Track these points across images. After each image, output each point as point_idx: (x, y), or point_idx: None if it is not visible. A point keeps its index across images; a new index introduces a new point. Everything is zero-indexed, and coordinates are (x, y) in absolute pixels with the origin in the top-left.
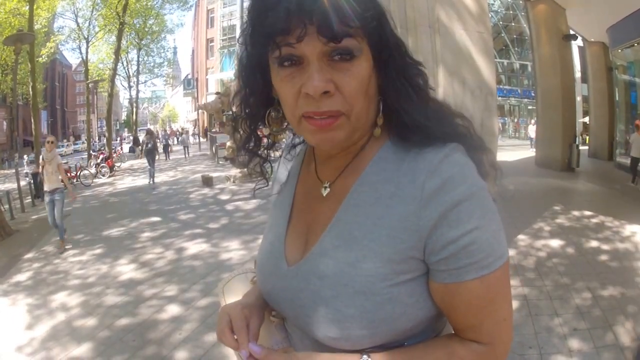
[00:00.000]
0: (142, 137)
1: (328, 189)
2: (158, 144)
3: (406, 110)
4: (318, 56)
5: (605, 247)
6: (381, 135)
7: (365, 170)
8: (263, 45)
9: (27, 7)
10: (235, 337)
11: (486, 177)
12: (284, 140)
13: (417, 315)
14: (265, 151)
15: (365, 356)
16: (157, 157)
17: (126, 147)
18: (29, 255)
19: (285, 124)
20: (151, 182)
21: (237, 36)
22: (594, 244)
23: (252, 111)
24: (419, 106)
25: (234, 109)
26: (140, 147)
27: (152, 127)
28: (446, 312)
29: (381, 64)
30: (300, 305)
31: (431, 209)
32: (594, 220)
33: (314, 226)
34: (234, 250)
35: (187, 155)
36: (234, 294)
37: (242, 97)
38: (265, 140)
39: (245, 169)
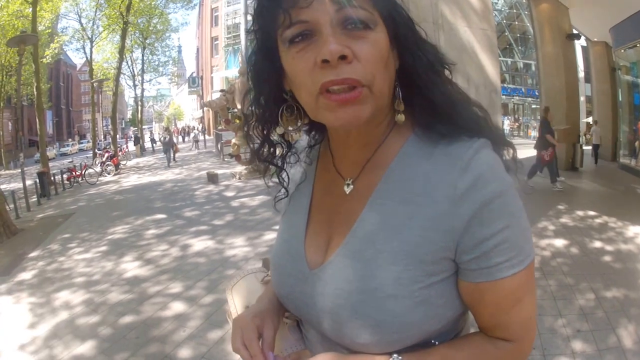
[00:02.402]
0: (147, 135)
1: (351, 186)
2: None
3: (432, 93)
4: (331, 23)
5: (609, 247)
6: (403, 126)
7: (391, 166)
8: (272, 21)
9: (30, 9)
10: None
11: (509, 172)
12: (298, 141)
13: (447, 315)
14: (281, 159)
15: (395, 355)
16: (172, 148)
17: (132, 146)
18: (33, 254)
19: (299, 122)
20: (169, 165)
21: (242, 32)
22: (597, 244)
23: (263, 112)
24: (443, 88)
25: (238, 106)
26: (140, 145)
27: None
28: (474, 310)
29: (398, 42)
30: (325, 311)
31: (464, 208)
32: (598, 221)
33: (337, 226)
34: (238, 247)
35: (198, 149)
36: (243, 296)
37: (252, 100)
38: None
39: (251, 166)
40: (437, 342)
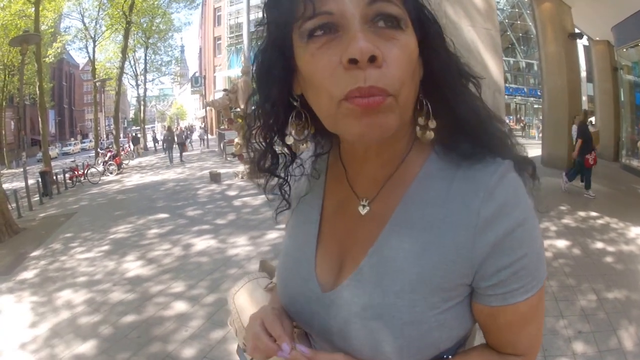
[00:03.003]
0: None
1: (367, 208)
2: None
3: (459, 108)
4: (360, 18)
5: (610, 248)
6: (423, 142)
7: (410, 188)
8: (290, 11)
9: (33, 8)
10: (272, 336)
11: (529, 192)
12: (304, 152)
13: (459, 334)
14: (284, 170)
15: None
16: (173, 146)
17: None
18: (35, 253)
19: (307, 132)
20: (170, 163)
21: (245, 32)
22: (599, 245)
23: (268, 119)
24: (471, 103)
25: (241, 105)
26: (139, 145)
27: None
28: (486, 329)
29: (425, 49)
30: (339, 335)
31: (486, 237)
32: (600, 221)
33: (351, 248)
34: (241, 246)
35: (206, 146)
36: (248, 304)
37: (256, 104)
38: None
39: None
40: (449, 356)
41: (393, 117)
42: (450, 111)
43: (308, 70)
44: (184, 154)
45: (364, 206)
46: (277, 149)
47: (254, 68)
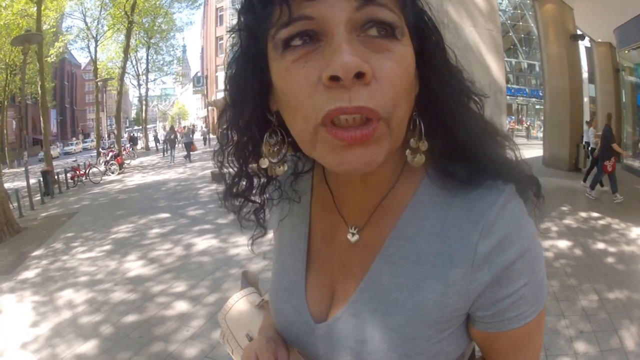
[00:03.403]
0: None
1: (357, 236)
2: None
3: (457, 129)
4: (346, 25)
5: (612, 249)
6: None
7: (402, 217)
8: (265, 16)
9: (35, 8)
10: None
11: (531, 210)
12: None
13: (455, 356)
14: (259, 195)
15: None
16: (176, 145)
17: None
18: (37, 253)
19: (284, 153)
20: (172, 162)
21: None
22: (600, 245)
23: (241, 138)
24: (472, 124)
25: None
26: (135, 146)
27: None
28: (484, 351)
29: (424, 61)
30: None
31: (484, 272)
32: (601, 222)
33: (341, 278)
34: (242, 245)
35: (208, 146)
36: (240, 323)
37: (229, 121)
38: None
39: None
40: None
41: (383, 149)
42: (447, 132)
43: (281, 87)
44: (191, 153)
45: (353, 234)
46: (251, 170)
47: (227, 79)
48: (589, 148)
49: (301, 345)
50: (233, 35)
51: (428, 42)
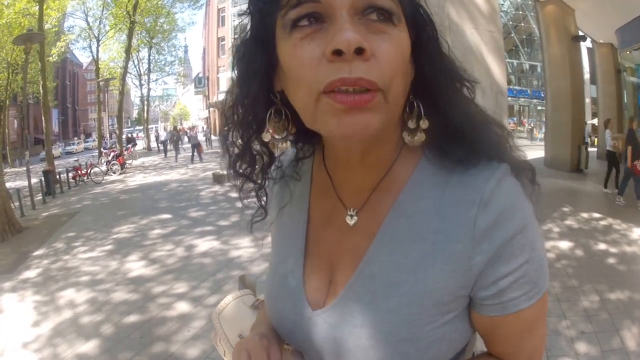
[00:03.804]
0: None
1: (355, 218)
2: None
3: (451, 112)
4: (349, 9)
5: (613, 250)
6: (412, 146)
7: (400, 197)
8: (274, 1)
9: (37, 7)
10: None
11: (529, 197)
12: (284, 153)
13: (459, 346)
14: (261, 174)
15: None
16: (180, 145)
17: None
18: (38, 252)
19: (285, 133)
20: (176, 160)
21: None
22: (602, 246)
23: (246, 115)
24: (465, 108)
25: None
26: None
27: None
28: (487, 339)
29: (418, 49)
30: (331, 353)
31: (484, 248)
32: (602, 223)
33: (340, 262)
34: (244, 247)
35: (210, 147)
36: (234, 323)
37: (234, 100)
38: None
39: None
40: None
41: (379, 117)
42: (441, 115)
43: (288, 62)
44: (200, 154)
45: (351, 216)
46: (256, 148)
47: (235, 60)
48: (606, 150)
49: (296, 336)
50: (243, 19)
51: (423, 32)
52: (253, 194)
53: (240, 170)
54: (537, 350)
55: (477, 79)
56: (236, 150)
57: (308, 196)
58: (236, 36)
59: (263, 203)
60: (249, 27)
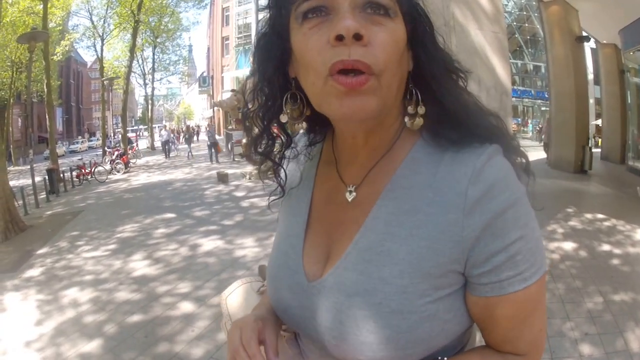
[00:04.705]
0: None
1: (354, 194)
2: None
3: (446, 99)
4: (350, 3)
5: (617, 251)
6: (410, 131)
7: (397, 172)
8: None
9: (41, 5)
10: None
11: (521, 181)
12: (300, 132)
13: (454, 330)
14: (280, 153)
15: None
16: (192, 142)
17: (142, 144)
18: (42, 251)
19: (303, 113)
20: (188, 158)
21: (253, 32)
22: (606, 247)
23: (266, 100)
24: (459, 96)
25: (249, 105)
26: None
27: (169, 124)
28: (483, 325)
29: (415, 42)
30: (325, 326)
31: (475, 219)
32: (606, 224)
33: (338, 236)
34: (248, 247)
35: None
36: (239, 307)
37: (255, 85)
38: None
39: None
40: (445, 358)
41: (374, 100)
42: (438, 103)
43: (299, 49)
44: (217, 153)
45: (350, 192)
46: (274, 132)
47: (255, 50)
48: None
49: (293, 312)
50: (265, 11)
51: (419, 26)
52: (271, 173)
53: (260, 150)
54: (537, 338)
55: (480, 76)
56: (256, 131)
57: (314, 177)
58: (241, 35)
59: (281, 182)
60: (267, 20)
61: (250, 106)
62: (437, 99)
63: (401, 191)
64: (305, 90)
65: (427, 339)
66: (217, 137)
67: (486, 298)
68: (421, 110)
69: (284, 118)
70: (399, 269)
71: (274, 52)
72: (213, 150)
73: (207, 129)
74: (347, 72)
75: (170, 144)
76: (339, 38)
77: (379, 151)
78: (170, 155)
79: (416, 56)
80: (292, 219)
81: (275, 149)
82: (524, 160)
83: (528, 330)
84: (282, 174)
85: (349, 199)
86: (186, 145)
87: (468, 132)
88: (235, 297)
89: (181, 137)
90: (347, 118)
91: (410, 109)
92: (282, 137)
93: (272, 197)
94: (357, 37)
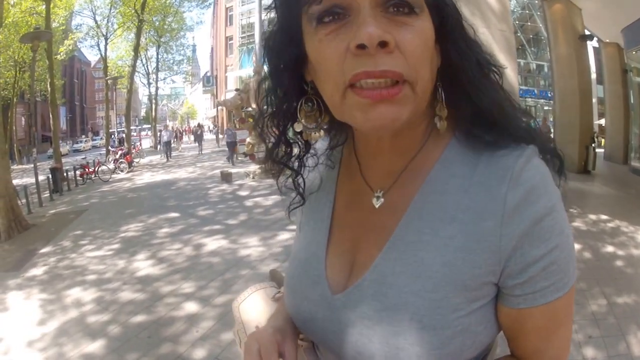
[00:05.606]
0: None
1: (382, 200)
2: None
3: (480, 97)
4: (371, 2)
5: (621, 252)
6: (439, 131)
7: (430, 175)
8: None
9: (44, 5)
10: None
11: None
12: (317, 141)
13: (484, 342)
14: (297, 161)
15: None
16: (202, 141)
17: (145, 143)
18: (45, 250)
19: (320, 120)
20: (200, 153)
21: (257, 32)
22: (609, 249)
23: (280, 106)
24: (493, 94)
25: (253, 105)
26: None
27: (172, 124)
28: (512, 336)
29: (443, 36)
30: (350, 341)
31: (514, 226)
32: (610, 225)
33: (364, 245)
34: (252, 246)
35: (217, 145)
36: (253, 314)
37: (267, 91)
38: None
39: (264, 165)
40: None
41: (407, 109)
42: (470, 100)
43: (316, 57)
44: (234, 155)
45: (377, 197)
46: (291, 137)
47: (265, 52)
48: None
49: (314, 324)
50: (270, 13)
51: (447, 18)
52: (290, 181)
53: (277, 159)
54: (564, 348)
55: (503, 64)
56: (272, 139)
57: (335, 182)
58: (245, 35)
59: (301, 190)
60: (276, 19)
61: (263, 108)
62: (469, 97)
63: (435, 196)
64: (323, 97)
65: (459, 354)
66: (217, 135)
67: (518, 310)
68: (443, 113)
69: (298, 127)
70: (432, 282)
71: (287, 57)
72: (232, 150)
73: (227, 127)
74: (373, 81)
75: (172, 145)
76: (361, 47)
77: (407, 153)
78: (172, 156)
79: (445, 50)
80: (313, 225)
81: (293, 155)
82: (558, 162)
83: (556, 341)
84: (301, 181)
85: (376, 205)
86: (196, 143)
87: (504, 132)
88: (249, 305)
89: (184, 137)
90: (375, 130)
91: (438, 110)
92: (300, 143)
93: (292, 206)
94: (382, 44)
